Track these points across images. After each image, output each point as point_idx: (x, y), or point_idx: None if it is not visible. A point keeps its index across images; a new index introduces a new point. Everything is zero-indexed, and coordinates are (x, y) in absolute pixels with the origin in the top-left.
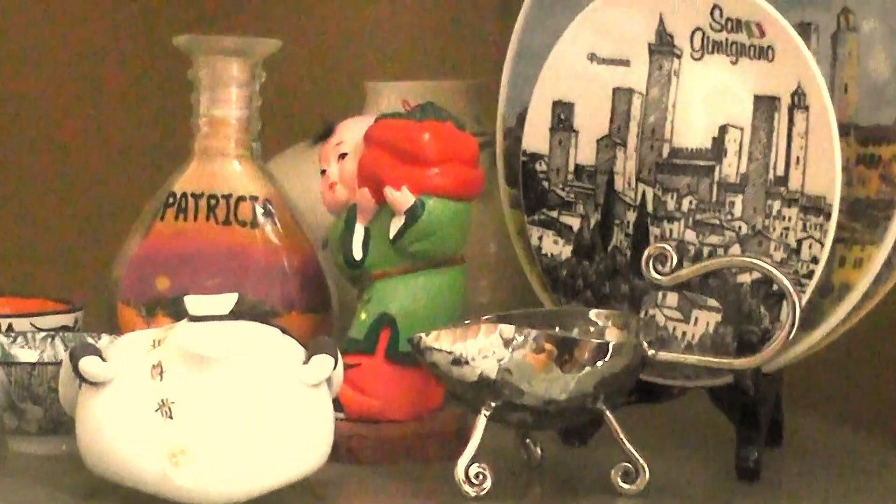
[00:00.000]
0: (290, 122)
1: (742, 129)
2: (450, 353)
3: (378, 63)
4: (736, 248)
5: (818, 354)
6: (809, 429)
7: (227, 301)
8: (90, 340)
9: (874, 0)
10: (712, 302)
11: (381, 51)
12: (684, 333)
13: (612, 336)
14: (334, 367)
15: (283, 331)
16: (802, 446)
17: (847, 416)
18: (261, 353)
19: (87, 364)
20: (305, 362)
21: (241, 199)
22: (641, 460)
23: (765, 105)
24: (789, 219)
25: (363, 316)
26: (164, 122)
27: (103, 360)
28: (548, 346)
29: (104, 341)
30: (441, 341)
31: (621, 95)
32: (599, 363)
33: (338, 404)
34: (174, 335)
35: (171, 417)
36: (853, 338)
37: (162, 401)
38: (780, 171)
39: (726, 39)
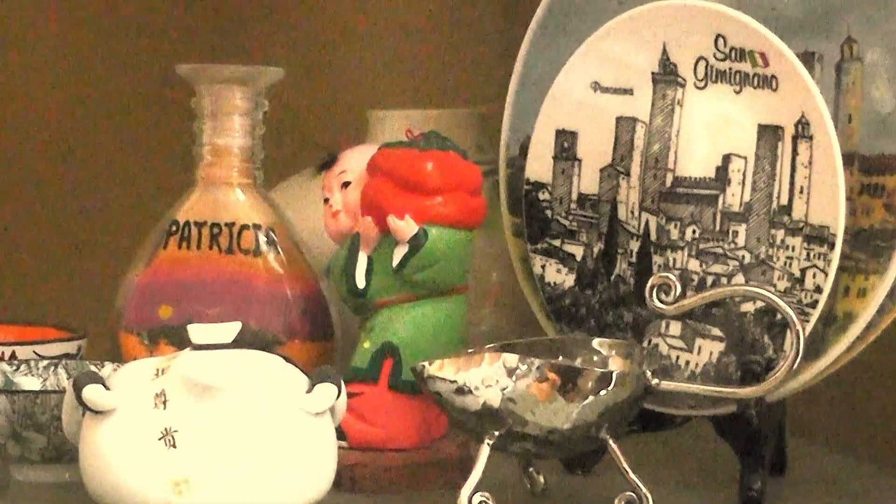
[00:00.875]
0: (294, 150)
1: (745, 159)
2: (453, 382)
3: (381, 91)
4: (739, 278)
5: (822, 383)
6: (813, 457)
7: (230, 330)
8: (93, 369)
9: (878, 30)
10: (716, 331)
11: (385, 79)
12: (688, 362)
13: (616, 365)
14: (337, 397)
15: (287, 360)
16: (806, 475)
17: (851, 445)
18: (264, 382)
19: (91, 393)
20: (309, 391)
21: (244, 227)
22: (645, 489)
23: (768, 134)
24: (793, 248)
25: (366, 345)
26: (167, 151)
27: (107, 388)
28: (551, 376)
29: (107, 369)
30: (444, 370)
31: (624, 124)
32: (603, 392)
33: (341, 433)
34: (177, 364)
35: (174, 446)
36: (857, 367)
37: (165, 430)
38: (784, 201)
39: (730, 69)
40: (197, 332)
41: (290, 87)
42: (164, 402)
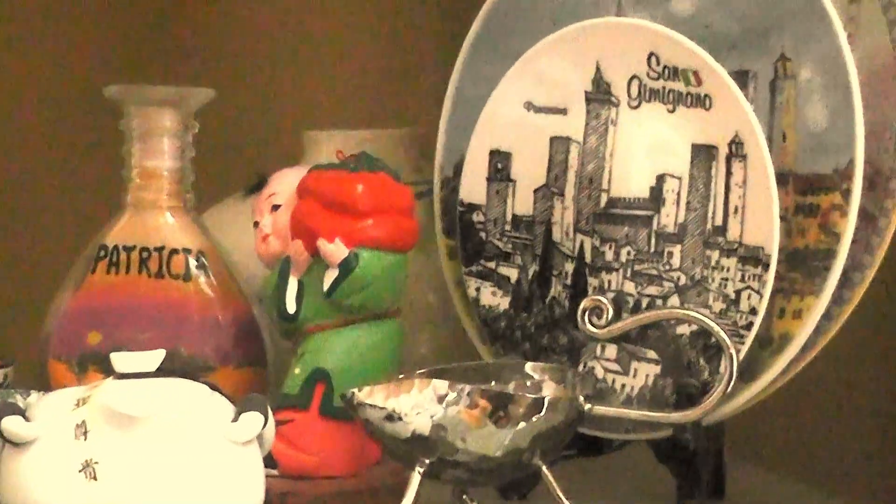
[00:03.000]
0: (225, 173)
1: (680, 179)
2: (382, 409)
3: (315, 112)
4: (675, 299)
5: (761, 405)
6: (752, 480)
7: (154, 357)
8: (15, 399)
9: (812, 48)
10: (651, 354)
11: (319, 100)
12: (623, 386)
13: (549, 389)
14: (264, 425)
15: (213, 387)
16: (745, 498)
17: (790, 467)
18: (187, 411)
19: (10, 424)
20: (234, 420)
21: (174, 251)
22: None
23: (702, 154)
24: (728, 269)
25: (297, 370)
26: (96, 174)
27: (27, 419)
28: (482, 402)
29: (33, 398)
30: (374, 397)
31: (559, 144)
32: (535, 418)
33: (271, 460)
34: (98, 394)
35: (94, 479)
36: (795, 388)
37: (86, 461)
38: (719, 221)
39: (663, 87)
40: (120, 360)
41: (221, 109)
42: (85, 433)
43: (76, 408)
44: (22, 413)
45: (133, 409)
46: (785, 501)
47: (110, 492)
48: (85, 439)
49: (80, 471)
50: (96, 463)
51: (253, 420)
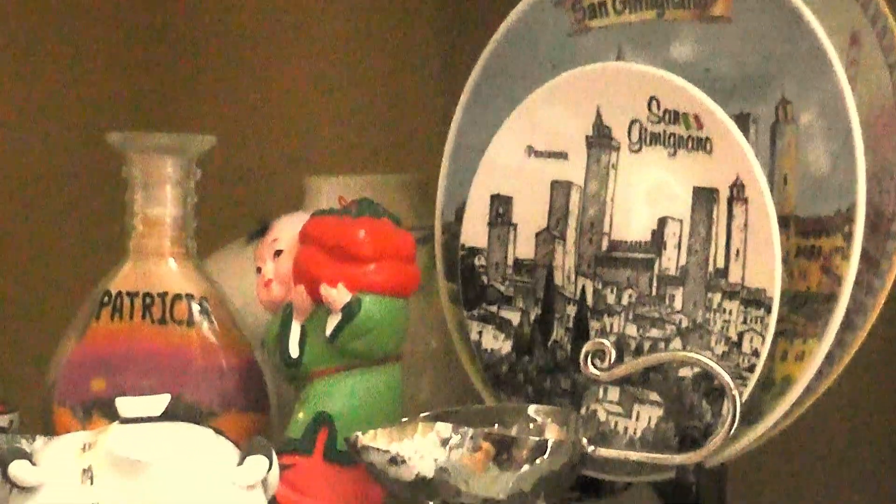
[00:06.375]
0: (227, 219)
1: (681, 222)
2: (386, 452)
3: (317, 158)
4: (677, 342)
5: (763, 447)
6: None
7: (159, 402)
8: (21, 444)
9: (813, 91)
10: (654, 396)
11: (319, 146)
12: (626, 429)
13: (552, 432)
14: (269, 469)
15: (217, 432)
16: None
17: None
18: (193, 455)
19: (17, 469)
20: (239, 464)
21: (176, 297)
22: None
23: (703, 197)
24: (730, 312)
25: (301, 415)
26: (98, 221)
27: (33, 464)
28: (485, 445)
29: (39, 443)
30: (378, 441)
31: (559, 189)
32: (538, 461)
33: None
34: (104, 438)
35: None
36: (798, 431)
37: None
38: (720, 264)
39: (664, 131)
40: (125, 405)
41: (223, 156)
42: (92, 478)
43: (82, 453)
44: (29, 458)
45: (139, 453)
46: None
47: None
48: (91, 484)
49: None
50: None
51: (258, 463)
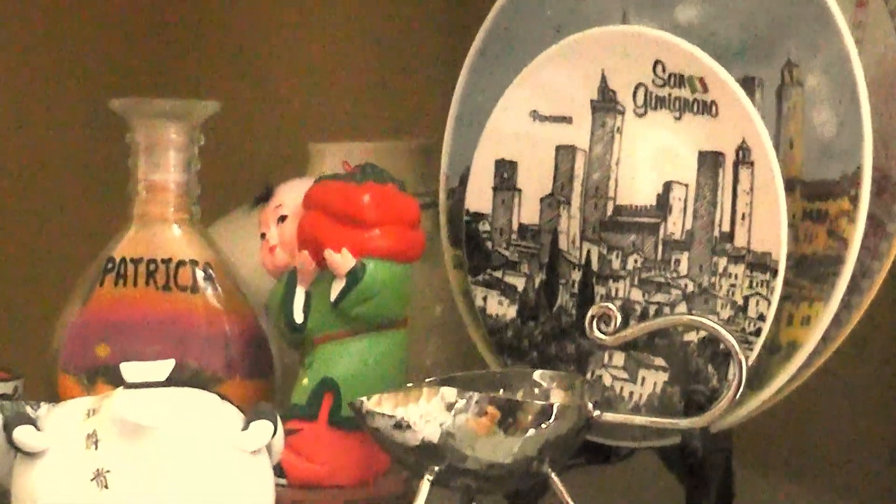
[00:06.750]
0: (231, 185)
1: (686, 186)
2: (391, 417)
3: (320, 124)
4: (682, 307)
5: (769, 412)
6: (761, 487)
7: (163, 367)
8: (26, 409)
9: (818, 54)
10: (659, 361)
11: (324, 112)
12: (631, 394)
13: (557, 397)
14: (273, 434)
15: (222, 397)
16: None
17: (798, 474)
18: (197, 420)
19: (22, 434)
20: (244, 429)
21: (180, 263)
22: None
23: (709, 161)
24: (736, 276)
25: (305, 381)
26: (102, 187)
27: (38, 429)
28: (490, 410)
29: (43, 410)
30: (383, 405)
31: (564, 153)
32: (544, 426)
33: (280, 470)
34: (109, 403)
35: (106, 487)
36: (804, 395)
37: (97, 470)
38: (726, 228)
39: (669, 95)
40: (129, 370)
41: (226, 122)
42: (96, 443)
43: (87, 418)
44: (33, 423)
45: (143, 418)
46: None
47: (122, 500)
48: (96, 449)
49: (91, 479)
50: (108, 472)
51: (263, 428)
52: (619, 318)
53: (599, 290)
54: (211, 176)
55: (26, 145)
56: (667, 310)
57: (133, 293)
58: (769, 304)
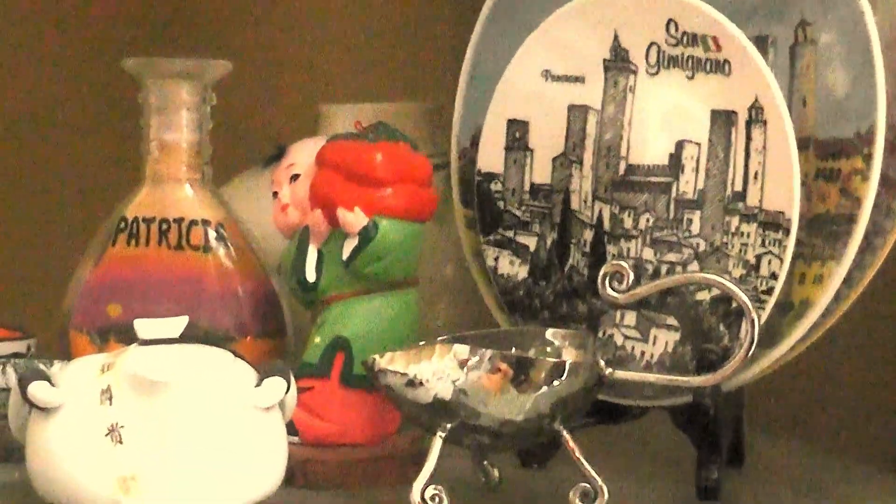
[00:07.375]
0: (243, 145)
1: (699, 145)
2: (404, 375)
3: (331, 85)
4: (694, 266)
5: (780, 372)
6: (772, 448)
7: (177, 324)
8: (40, 366)
9: (831, 12)
10: (671, 321)
11: (335, 73)
12: (643, 353)
13: (569, 356)
14: (287, 391)
15: (235, 354)
16: (764, 465)
17: (810, 435)
18: (211, 376)
19: (36, 389)
20: (257, 385)
21: (193, 223)
22: (600, 481)
23: (722, 120)
24: (748, 235)
25: (317, 339)
26: (114, 147)
27: (53, 385)
28: (503, 367)
29: (56, 367)
30: (395, 363)
31: (576, 113)
32: (556, 383)
33: (292, 428)
34: (123, 360)
35: (120, 442)
36: (815, 355)
37: (112, 426)
38: (738, 187)
39: (682, 54)
40: (143, 327)
41: (238, 81)
42: (110, 399)
43: (101, 374)
44: (48, 379)
45: (157, 374)
46: (804, 468)
47: (136, 455)
48: (110, 404)
49: (105, 435)
50: (122, 427)
51: (276, 385)
52: (632, 276)
53: (611, 249)
54: (223, 136)
55: (39, 106)
56: (679, 269)
57: (145, 253)
58: (781, 262)
